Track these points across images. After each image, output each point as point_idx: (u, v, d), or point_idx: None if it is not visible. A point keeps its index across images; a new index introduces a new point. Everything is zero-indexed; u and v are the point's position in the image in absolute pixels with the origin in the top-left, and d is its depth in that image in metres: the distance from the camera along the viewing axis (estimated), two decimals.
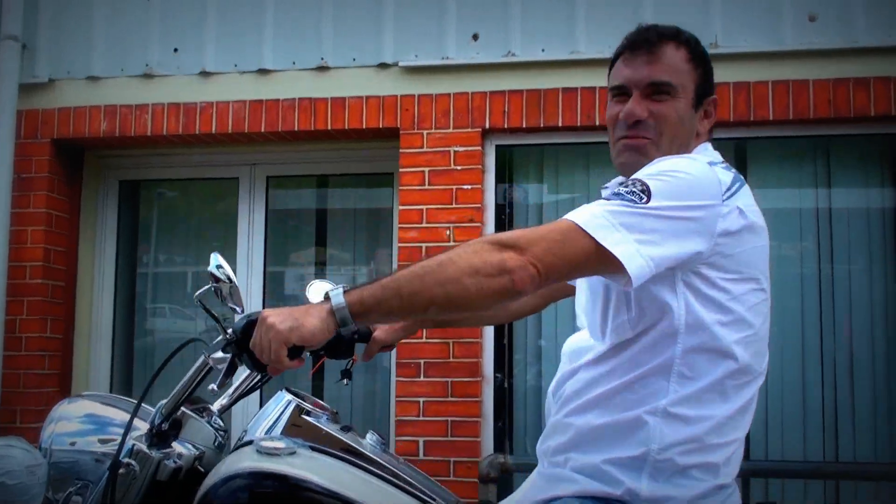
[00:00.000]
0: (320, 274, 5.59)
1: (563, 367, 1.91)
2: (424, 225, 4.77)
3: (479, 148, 4.78)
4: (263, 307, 5.25)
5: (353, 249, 5.60)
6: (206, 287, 1.75)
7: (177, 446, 1.91)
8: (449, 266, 1.54)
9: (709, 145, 1.91)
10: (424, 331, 4.70)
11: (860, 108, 4.47)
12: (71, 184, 5.36)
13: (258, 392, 2.00)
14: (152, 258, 5.78)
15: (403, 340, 4.69)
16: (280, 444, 1.79)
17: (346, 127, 4.90)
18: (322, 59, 4.95)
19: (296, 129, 4.95)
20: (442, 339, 4.64)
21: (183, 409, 1.88)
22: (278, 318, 1.56)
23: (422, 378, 4.65)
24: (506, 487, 4.60)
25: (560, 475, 1.82)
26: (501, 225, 4.88)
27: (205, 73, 5.07)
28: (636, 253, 1.56)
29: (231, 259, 5.29)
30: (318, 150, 5.27)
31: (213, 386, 1.70)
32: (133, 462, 1.83)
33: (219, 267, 1.72)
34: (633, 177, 1.68)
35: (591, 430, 1.77)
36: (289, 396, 2.01)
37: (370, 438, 1.99)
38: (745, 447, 1.86)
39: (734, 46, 4.59)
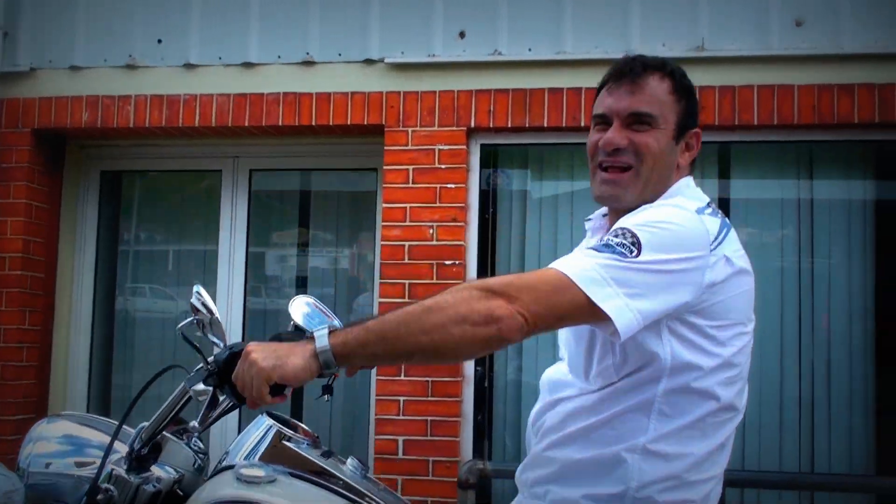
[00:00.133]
0: (302, 257, 5.59)
1: (543, 398, 1.91)
2: (408, 223, 4.76)
3: (464, 147, 4.77)
4: (245, 305, 5.26)
5: (336, 232, 5.57)
6: (189, 319, 1.74)
7: (156, 470, 1.90)
8: (435, 313, 1.52)
9: (691, 181, 1.91)
10: None
11: (844, 114, 4.48)
12: (51, 174, 5.31)
13: (237, 410, 1.99)
14: (132, 252, 5.74)
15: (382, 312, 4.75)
16: (260, 473, 1.79)
17: (331, 123, 4.87)
18: (308, 53, 4.91)
19: (280, 123, 4.92)
20: None
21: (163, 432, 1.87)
22: (261, 354, 1.55)
23: (402, 377, 4.66)
24: (485, 493, 4.64)
25: None
26: (485, 225, 4.87)
27: (189, 66, 5.02)
28: (625, 308, 1.56)
29: (213, 252, 5.30)
30: (301, 144, 5.24)
31: (195, 423, 1.69)
32: (112, 488, 1.82)
33: (200, 299, 1.71)
34: (623, 226, 1.67)
35: (570, 465, 1.77)
36: (269, 421, 2.00)
37: (351, 464, 1.99)
38: None
39: (720, 50, 4.58)
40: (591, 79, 4.67)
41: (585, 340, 1.78)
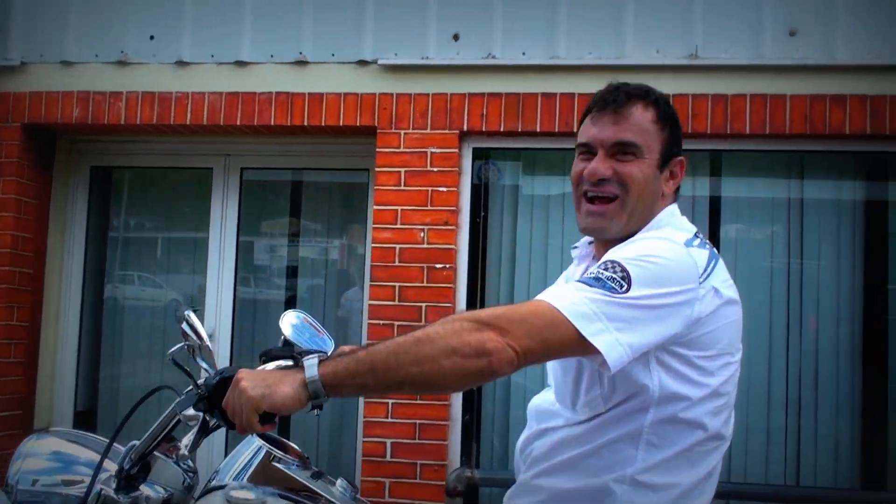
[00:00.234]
0: (293, 248, 5.58)
1: (531, 427, 1.92)
2: (399, 226, 4.76)
3: (457, 150, 4.76)
4: (234, 308, 5.24)
5: (328, 223, 5.57)
6: (179, 345, 1.73)
7: (144, 489, 1.90)
8: (426, 345, 1.52)
9: (676, 209, 1.92)
10: (395, 332, 4.71)
11: (836, 125, 4.50)
12: (41, 169, 5.28)
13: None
14: (121, 247, 5.72)
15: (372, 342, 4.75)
16: (250, 495, 1.79)
17: (323, 123, 4.86)
18: (301, 53, 4.89)
19: (272, 123, 4.90)
20: None
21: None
22: (250, 382, 1.55)
23: None
24: (472, 501, 4.64)
25: None
26: (476, 228, 4.87)
27: (181, 63, 4.99)
28: (616, 342, 1.56)
29: (203, 246, 5.28)
30: (293, 143, 5.23)
31: (185, 451, 1.68)
32: None
33: (190, 325, 1.70)
34: (613, 259, 1.67)
35: (559, 494, 1.78)
36: (259, 441, 2.00)
37: (340, 485, 1.99)
38: None
39: (714, 58, 4.59)
40: (585, 84, 4.74)
41: (573, 371, 1.79)
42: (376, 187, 4.80)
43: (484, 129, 4.75)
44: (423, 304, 4.71)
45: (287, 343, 2.25)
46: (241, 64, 4.94)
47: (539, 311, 1.58)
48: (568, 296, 1.59)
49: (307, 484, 1.93)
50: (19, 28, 5.15)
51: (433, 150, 4.76)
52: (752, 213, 4.89)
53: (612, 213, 1.82)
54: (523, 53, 4.74)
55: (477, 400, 4.88)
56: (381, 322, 4.72)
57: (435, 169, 4.76)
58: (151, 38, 5.03)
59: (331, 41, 4.88)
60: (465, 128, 4.75)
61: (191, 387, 1.76)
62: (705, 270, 1.71)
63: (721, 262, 1.78)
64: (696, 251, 1.74)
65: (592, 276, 1.64)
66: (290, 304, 5.53)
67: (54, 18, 5.12)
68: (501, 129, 4.73)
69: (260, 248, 5.67)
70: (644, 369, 1.67)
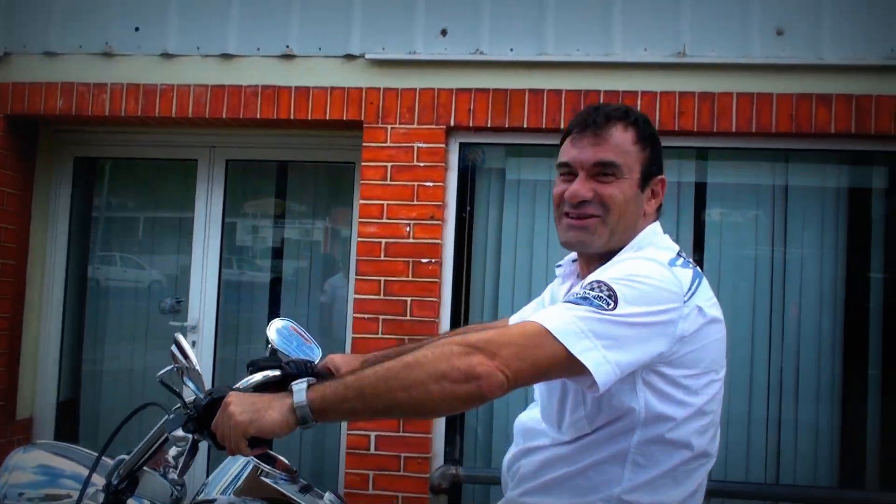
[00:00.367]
0: (279, 229, 5.59)
1: (517, 444, 1.93)
2: (385, 220, 4.75)
3: (443, 145, 4.76)
4: (219, 292, 5.23)
5: (313, 207, 5.57)
6: (168, 368, 1.73)
7: (132, 503, 1.90)
8: (415, 369, 1.52)
9: (658, 227, 1.93)
10: (380, 326, 4.72)
11: (821, 124, 4.52)
12: (24, 160, 5.24)
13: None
14: (104, 239, 5.69)
15: (356, 335, 4.76)
16: None
17: (310, 117, 4.84)
18: (287, 46, 4.87)
19: (258, 116, 4.88)
20: (397, 335, 4.65)
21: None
22: (239, 407, 1.55)
23: None
24: (456, 498, 4.67)
25: None
26: (462, 223, 4.88)
27: (166, 55, 4.95)
28: (604, 360, 1.57)
29: (186, 247, 5.27)
30: (279, 135, 5.21)
31: (175, 476, 1.68)
32: None
33: (179, 348, 1.70)
34: (599, 279, 1.68)
35: None
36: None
37: (328, 498, 1.99)
38: None
39: (701, 56, 4.60)
40: (572, 81, 4.74)
41: (558, 392, 1.80)
42: (362, 182, 4.79)
43: (471, 125, 4.74)
44: (409, 299, 4.72)
45: (274, 352, 2.26)
46: (227, 57, 4.91)
47: (527, 332, 1.59)
48: (556, 315, 1.60)
49: (295, 498, 1.94)
50: (2, 18, 5.09)
51: (420, 144, 4.75)
52: (737, 202, 4.91)
53: (593, 228, 1.84)
54: (511, 49, 4.73)
55: None
56: (367, 316, 4.73)
57: (421, 164, 4.75)
58: (137, 29, 4.98)
59: (318, 35, 4.85)
60: (452, 123, 4.74)
61: (178, 405, 1.75)
62: (689, 289, 1.73)
63: (705, 282, 1.80)
64: (679, 270, 1.75)
65: (579, 295, 1.65)
66: (276, 286, 5.53)
67: (38, 9, 5.07)
68: (488, 125, 4.73)
69: (244, 233, 5.65)
70: (630, 391, 1.69)
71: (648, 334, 1.64)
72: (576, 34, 4.68)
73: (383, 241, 4.75)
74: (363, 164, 4.78)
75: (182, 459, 1.69)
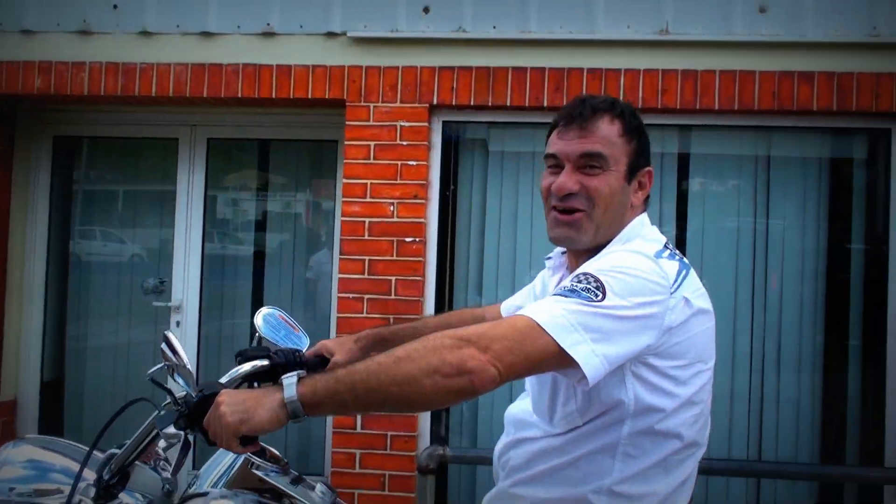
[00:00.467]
0: (261, 206, 5.58)
1: (508, 434, 1.94)
2: (368, 200, 4.74)
3: (426, 124, 4.74)
4: (202, 270, 5.21)
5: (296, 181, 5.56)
6: (159, 366, 1.73)
7: (124, 497, 1.91)
8: (406, 364, 1.52)
9: (646, 219, 1.94)
10: (365, 306, 4.73)
11: (803, 101, 4.54)
12: (2, 139, 5.18)
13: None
14: (85, 215, 5.65)
15: (341, 315, 4.75)
16: None
17: (292, 96, 4.81)
18: (268, 24, 4.82)
19: (239, 95, 4.84)
20: (382, 314, 4.66)
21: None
22: (230, 406, 1.55)
23: None
24: (444, 478, 4.70)
25: None
26: (445, 202, 4.87)
27: (145, 33, 4.90)
28: (592, 353, 1.58)
29: (169, 225, 5.25)
30: (261, 114, 5.17)
31: (168, 474, 1.69)
32: None
33: (170, 347, 1.70)
34: (587, 272, 1.69)
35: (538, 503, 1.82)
36: None
37: (319, 489, 2.01)
38: None
39: (684, 34, 4.59)
40: (555, 59, 4.72)
41: (549, 386, 1.82)
42: (346, 161, 4.77)
43: (454, 103, 4.73)
44: (393, 278, 4.73)
45: (261, 341, 2.26)
46: (207, 35, 4.86)
47: (518, 326, 1.59)
48: (546, 309, 1.61)
49: (286, 490, 1.95)
50: None
51: (403, 123, 4.74)
52: (720, 174, 4.95)
53: (580, 224, 1.85)
54: (494, 27, 4.70)
55: None
56: (351, 295, 4.73)
57: (404, 142, 4.74)
58: (115, 7, 4.92)
59: (299, 12, 4.81)
60: (435, 101, 4.72)
61: (168, 400, 1.76)
62: (676, 281, 1.74)
63: (692, 273, 1.81)
64: (665, 262, 1.76)
65: (567, 288, 1.66)
66: (259, 263, 5.51)
67: None
68: (471, 103, 4.72)
69: (225, 210, 5.62)
70: (620, 384, 1.70)
71: (636, 327, 1.65)
72: (559, 12, 4.66)
73: (367, 220, 4.74)
74: (346, 143, 4.76)
75: (175, 456, 1.70)
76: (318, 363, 2.23)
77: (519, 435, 1.89)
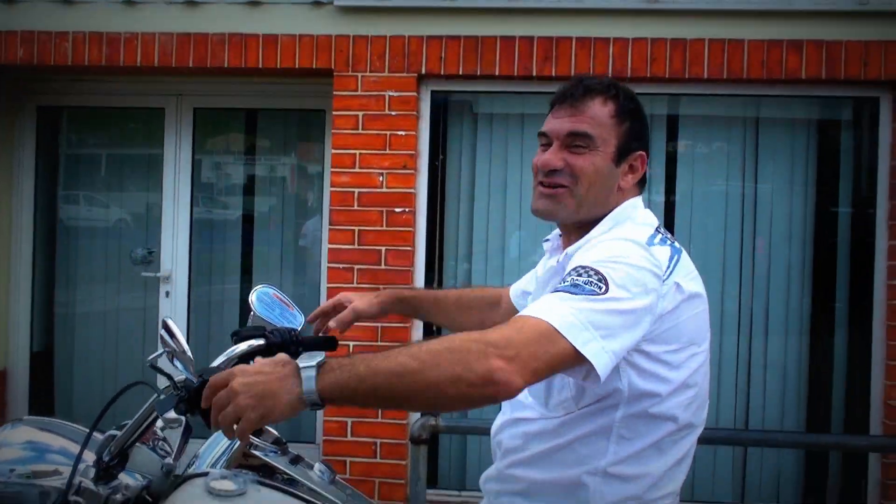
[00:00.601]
0: (249, 171, 5.56)
1: (504, 413, 1.95)
2: (357, 170, 4.73)
3: (415, 93, 4.72)
4: (191, 239, 5.20)
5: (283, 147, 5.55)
6: (159, 352, 1.73)
7: (123, 477, 1.91)
8: (431, 371, 1.50)
9: (639, 202, 1.94)
10: (355, 276, 4.74)
11: (792, 70, 4.54)
12: None
13: None
14: (66, 183, 5.61)
15: (331, 285, 4.75)
16: (231, 486, 1.81)
17: (278, 66, 4.77)
18: None
19: (225, 65, 4.79)
20: (372, 284, 4.67)
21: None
22: (247, 399, 1.50)
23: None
24: (436, 448, 4.73)
25: None
26: (435, 172, 4.87)
27: (130, 2, 4.83)
28: (602, 350, 1.59)
29: (156, 195, 5.22)
30: (247, 83, 5.13)
31: (170, 460, 1.70)
32: (81, 500, 1.84)
33: (169, 333, 1.70)
34: (585, 265, 1.69)
35: (533, 485, 1.83)
36: None
37: (318, 469, 2.02)
38: None
39: (673, 3, 4.58)
40: (544, 27, 4.69)
41: None
42: (334, 131, 4.75)
43: (442, 73, 4.71)
44: (383, 248, 4.73)
45: (257, 320, 2.26)
46: (192, 3, 4.80)
47: (537, 330, 1.58)
48: (557, 310, 1.61)
49: (285, 469, 1.97)
50: None
51: (391, 93, 4.71)
52: (708, 137, 4.98)
53: (561, 198, 1.86)
54: None
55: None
56: (342, 266, 4.74)
57: (393, 112, 4.72)
58: None
59: None
60: (424, 71, 4.70)
61: (168, 384, 1.76)
62: (668, 267, 1.75)
63: (684, 256, 1.82)
64: (657, 249, 1.77)
65: (571, 283, 1.66)
66: (248, 222, 5.50)
67: None
68: (460, 73, 4.69)
69: (212, 176, 5.60)
70: (614, 373, 1.70)
71: (635, 319, 1.66)
72: None
73: (356, 190, 4.73)
74: (334, 112, 4.74)
75: (176, 439, 1.70)
76: (322, 342, 2.22)
77: (515, 415, 1.90)
